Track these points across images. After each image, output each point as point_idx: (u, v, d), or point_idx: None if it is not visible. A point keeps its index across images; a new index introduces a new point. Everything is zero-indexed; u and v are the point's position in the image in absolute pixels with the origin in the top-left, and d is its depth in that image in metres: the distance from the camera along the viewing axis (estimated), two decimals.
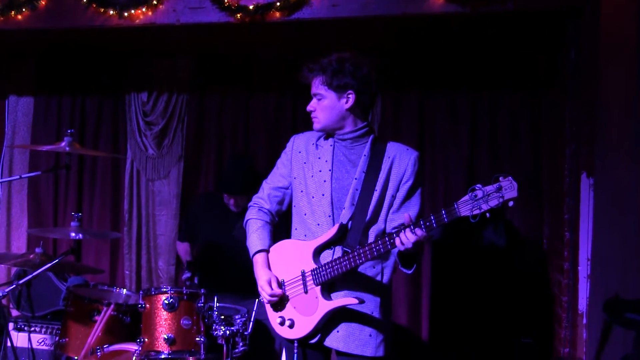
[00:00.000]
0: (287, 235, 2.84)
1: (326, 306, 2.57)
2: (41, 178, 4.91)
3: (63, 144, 3.50)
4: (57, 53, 4.85)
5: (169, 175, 4.73)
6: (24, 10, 3.99)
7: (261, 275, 2.72)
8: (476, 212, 2.19)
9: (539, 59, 4.22)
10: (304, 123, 3.16)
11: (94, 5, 3.91)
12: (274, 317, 2.74)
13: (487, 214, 2.19)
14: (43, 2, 3.99)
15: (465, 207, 2.22)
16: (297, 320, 2.64)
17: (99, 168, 4.90)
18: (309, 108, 2.73)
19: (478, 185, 2.20)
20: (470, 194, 2.20)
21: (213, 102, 4.77)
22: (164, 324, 3.27)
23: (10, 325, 4.43)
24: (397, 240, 2.35)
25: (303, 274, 2.63)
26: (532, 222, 4.31)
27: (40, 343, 4.39)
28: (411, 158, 2.65)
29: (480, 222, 2.22)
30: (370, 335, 2.63)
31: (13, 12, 4.00)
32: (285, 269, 2.70)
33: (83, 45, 4.56)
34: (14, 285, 3.34)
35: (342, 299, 2.57)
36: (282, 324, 2.68)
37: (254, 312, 3.08)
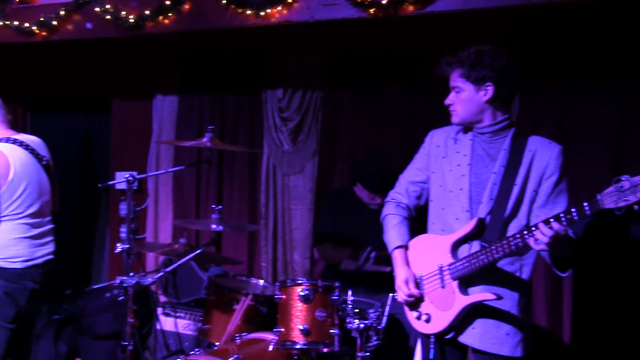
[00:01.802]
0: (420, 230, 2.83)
1: (463, 301, 2.53)
2: (185, 172, 5.14)
3: (204, 139, 3.65)
4: (199, 53, 5.06)
5: (304, 170, 4.80)
6: (170, 14, 4.19)
7: (399, 274, 2.73)
8: (622, 204, 2.07)
9: None
10: (439, 119, 3.12)
11: (233, 6, 4.04)
12: (410, 312, 2.73)
13: (636, 207, 2.06)
14: (187, 6, 4.16)
15: (609, 199, 2.10)
16: (434, 314, 2.62)
17: (237, 163, 5.07)
18: (447, 101, 2.70)
19: (625, 175, 2.07)
20: (615, 185, 2.08)
21: (346, 98, 4.79)
22: (299, 315, 3.33)
23: (159, 310, 4.70)
24: (537, 233, 2.26)
25: (440, 268, 2.60)
26: None
27: (185, 328, 4.62)
28: (554, 152, 2.56)
29: (628, 218, 2.09)
30: (508, 334, 2.56)
31: (161, 17, 4.21)
32: (423, 263, 2.69)
33: (223, 45, 4.73)
34: (162, 273, 3.51)
35: (480, 294, 2.53)
36: (418, 318, 2.67)
37: (388, 306, 3.07)
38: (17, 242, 3.18)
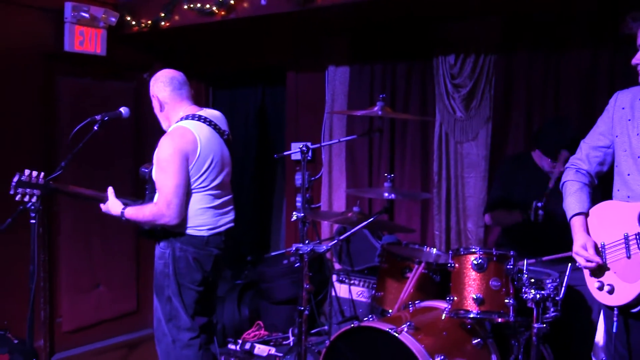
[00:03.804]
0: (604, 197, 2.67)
1: None
2: (357, 141, 5.19)
3: (376, 108, 3.67)
4: (369, 23, 5.06)
5: (477, 137, 4.66)
6: None
7: (577, 240, 2.60)
8: None
9: None
10: (622, 81, 2.88)
11: None
12: (591, 282, 2.60)
13: None
14: None
15: None
16: (618, 286, 2.46)
17: (409, 131, 5.03)
18: (634, 61, 2.49)
19: None
20: None
21: (521, 62, 4.57)
22: (472, 284, 3.28)
23: (334, 277, 4.84)
24: None
25: (626, 237, 2.44)
26: None
27: (359, 295, 4.72)
28: None
29: None
30: None
31: None
32: (606, 231, 2.54)
33: (392, 13, 4.69)
34: (336, 241, 3.58)
35: None
36: (600, 289, 2.53)
37: (566, 276, 2.94)
38: (203, 212, 3.40)
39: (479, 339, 3.34)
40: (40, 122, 4.90)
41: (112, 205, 3.46)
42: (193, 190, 3.36)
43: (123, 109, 3.68)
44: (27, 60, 4.77)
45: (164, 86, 3.48)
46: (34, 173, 3.33)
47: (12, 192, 3.28)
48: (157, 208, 3.29)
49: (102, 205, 3.51)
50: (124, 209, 3.41)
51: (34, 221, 3.31)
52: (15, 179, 3.28)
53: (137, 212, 3.38)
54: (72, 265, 5.18)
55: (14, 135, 4.69)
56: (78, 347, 5.24)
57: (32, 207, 3.30)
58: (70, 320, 5.19)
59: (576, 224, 2.65)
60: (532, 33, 4.47)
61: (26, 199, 3.30)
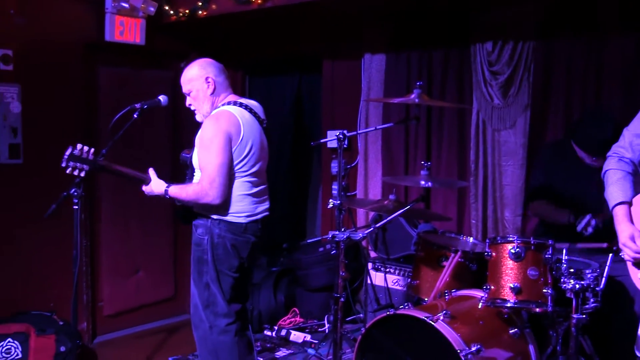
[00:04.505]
0: None
1: None
2: (393, 129, 5.17)
3: (412, 96, 3.64)
4: (406, 10, 5.01)
5: (515, 125, 4.60)
6: None
7: (623, 230, 2.54)
8: None
9: None
10: None
11: None
12: (635, 272, 2.55)
13: None
14: None
15: None
16: None
17: (445, 119, 4.99)
18: None
19: None
20: None
21: (561, 48, 4.49)
22: (510, 273, 3.26)
23: (370, 265, 4.85)
24: None
25: None
26: None
27: (395, 283, 4.73)
28: None
29: None
30: None
31: None
32: None
33: (428, 0, 4.67)
34: (372, 229, 3.59)
35: None
36: None
37: (607, 267, 2.89)
38: (242, 199, 3.44)
39: (516, 329, 3.31)
40: (82, 111, 4.99)
41: (156, 184, 3.51)
42: (234, 175, 3.39)
43: (162, 97, 3.73)
44: (70, 50, 4.87)
45: (219, 72, 3.57)
46: (85, 148, 3.42)
47: (63, 164, 3.37)
48: (201, 187, 3.33)
49: (144, 187, 3.56)
50: (167, 187, 3.46)
51: (76, 207, 3.38)
52: (68, 152, 3.37)
53: (181, 191, 3.43)
54: (113, 251, 5.29)
55: (56, 124, 4.80)
56: (118, 330, 5.36)
57: (75, 193, 3.37)
58: (111, 305, 5.31)
59: (619, 214, 2.60)
60: (572, 19, 4.39)
61: (75, 172, 3.39)
